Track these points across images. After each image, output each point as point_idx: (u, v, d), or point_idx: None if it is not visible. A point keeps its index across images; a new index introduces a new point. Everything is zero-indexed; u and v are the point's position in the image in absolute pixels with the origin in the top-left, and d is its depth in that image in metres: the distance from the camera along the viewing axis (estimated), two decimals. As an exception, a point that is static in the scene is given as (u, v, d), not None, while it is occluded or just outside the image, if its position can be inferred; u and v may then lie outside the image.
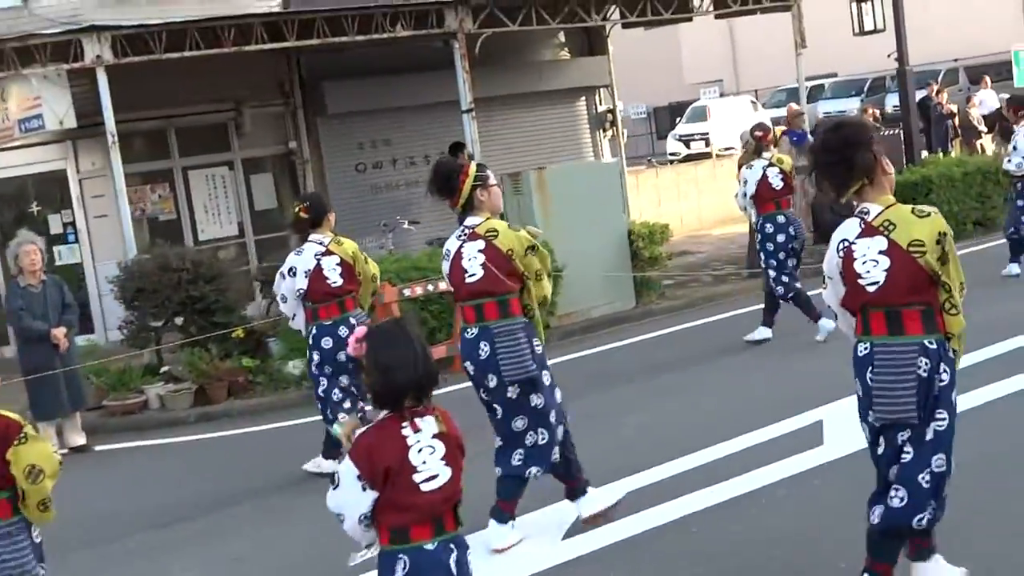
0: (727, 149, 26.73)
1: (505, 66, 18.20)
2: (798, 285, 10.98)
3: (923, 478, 4.60)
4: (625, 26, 17.73)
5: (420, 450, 3.69)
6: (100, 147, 15.26)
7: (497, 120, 18.62)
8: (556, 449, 6.28)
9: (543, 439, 6.25)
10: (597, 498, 6.49)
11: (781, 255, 10.98)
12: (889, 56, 17.58)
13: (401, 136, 17.88)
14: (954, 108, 24.41)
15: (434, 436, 3.73)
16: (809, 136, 17.06)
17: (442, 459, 3.71)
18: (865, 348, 4.71)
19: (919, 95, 27.26)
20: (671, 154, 30.88)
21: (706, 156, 26.51)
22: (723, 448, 7.65)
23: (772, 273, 11.04)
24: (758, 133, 11.67)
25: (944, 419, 4.63)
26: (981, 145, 24.65)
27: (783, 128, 17.08)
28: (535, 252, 6.32)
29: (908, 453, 4.64)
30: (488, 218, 6.34)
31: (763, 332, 11.22)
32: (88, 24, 13.10)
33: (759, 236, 11.29)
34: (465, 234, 6.34)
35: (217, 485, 8.68)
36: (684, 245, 18.69)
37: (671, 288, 14.53)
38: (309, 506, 7.17)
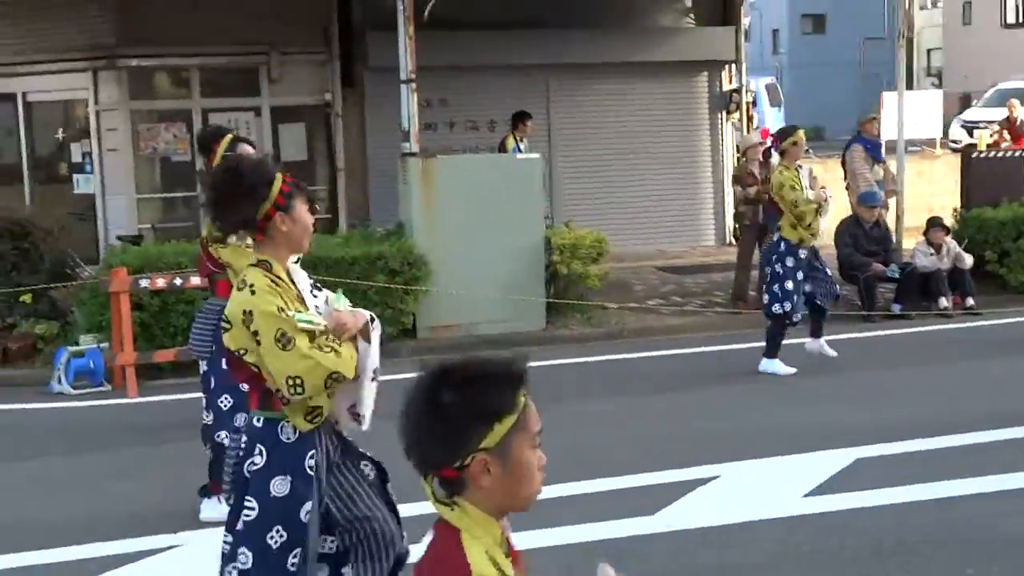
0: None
1: (602, 29, 16.26)
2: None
3: (228, 571, 4.25)
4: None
5: None
6: (117, 80, 15.19)
7: (584, 91, 16.71)
8: None
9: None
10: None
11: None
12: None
13: (462, 98, 16.45)
14: None
15: None
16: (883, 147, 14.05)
17: None
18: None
19: None
20: (953, 141, 26.82)
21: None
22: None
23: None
24: (768, 139, 10.89)
25: (253, 508, 4.15)
26: None
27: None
28: None
29: (227, 543, 4.30)
30: None
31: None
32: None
33: None
34: None
35: None
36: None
37: (608, 315, 12.34)
38: None
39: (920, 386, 9.56)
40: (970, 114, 27.65)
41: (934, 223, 12.79)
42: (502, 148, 14.78)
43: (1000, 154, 14.76)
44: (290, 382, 4.06)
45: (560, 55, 16.33)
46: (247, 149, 6.44)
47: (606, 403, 9.24)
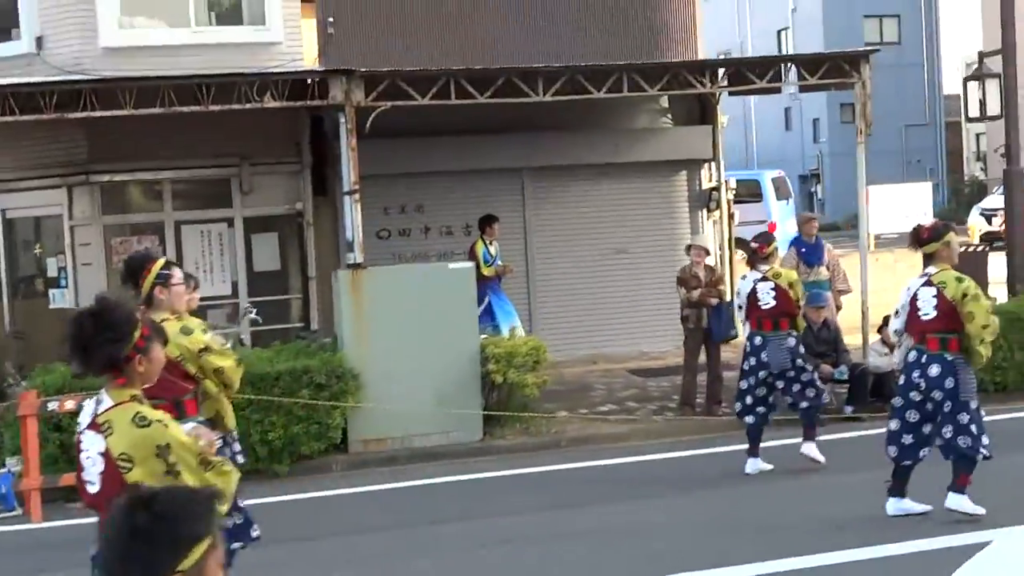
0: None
1: (579, 132, 16.24)
2: (748, 419, 10.01)
3: None
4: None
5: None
6: (90, 195, 15.45)
7: (561, 192, 16.68)
8: None
9: None
10: None
11: (747, 380, 10.10)
12: (996, 151, 13.63)
13: (437, 203, 16.48)
14: None
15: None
16: (826, 247, 13.70)
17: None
18: None
19: None
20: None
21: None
22: None
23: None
24: (753, 244, 10.52)
25: None
26: None
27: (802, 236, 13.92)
28: (209, 352, 6.46)
29: None
30: (165, 318, 6.19)
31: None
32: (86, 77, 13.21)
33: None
34: None
35: None
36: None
37: (550, 423, 12.12)
38: None
39: (841, 493, 9.24)
40: (989, 201, 27.11)
41: (888, 322, 12.44)
42: (472, 253, 14.75)
43: (965, 248, 14.42)
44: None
45: (536, 158, 16.36)
46: (177, 272, 6.57)
47: (505, 520, 9.04)
